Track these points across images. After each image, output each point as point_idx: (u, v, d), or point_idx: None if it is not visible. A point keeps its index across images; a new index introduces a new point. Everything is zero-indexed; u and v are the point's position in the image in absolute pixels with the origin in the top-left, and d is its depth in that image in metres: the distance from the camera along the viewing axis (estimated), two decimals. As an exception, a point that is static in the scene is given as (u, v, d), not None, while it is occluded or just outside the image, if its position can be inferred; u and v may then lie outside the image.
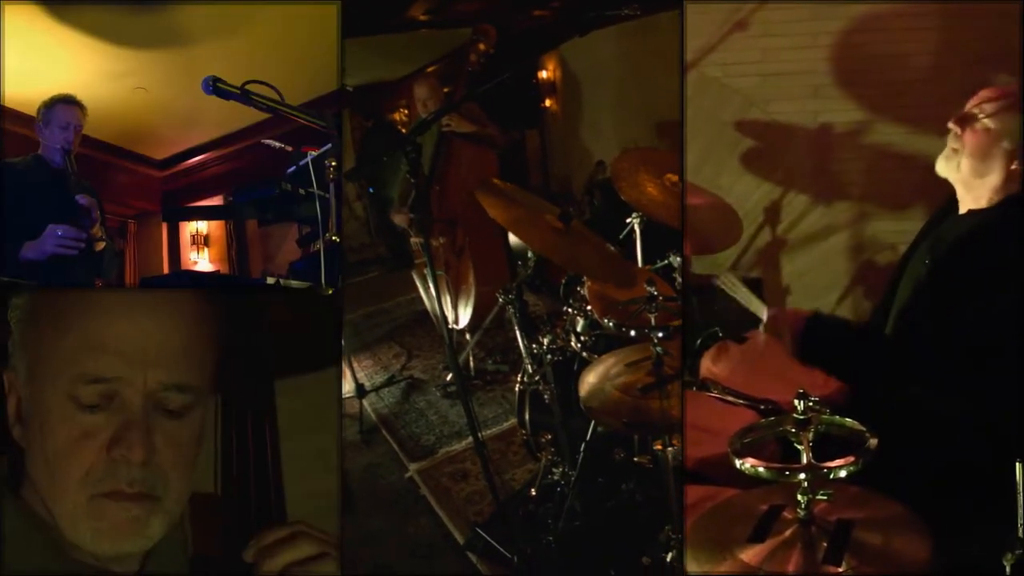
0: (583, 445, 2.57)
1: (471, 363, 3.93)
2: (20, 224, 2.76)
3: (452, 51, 4.57)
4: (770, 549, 1.58)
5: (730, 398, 2.20)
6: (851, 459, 1.59)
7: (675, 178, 2.82)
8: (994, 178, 2.06)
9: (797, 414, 1.68)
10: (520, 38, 4.35)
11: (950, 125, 2.12)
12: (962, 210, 2.15)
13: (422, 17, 4.49)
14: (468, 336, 3.96)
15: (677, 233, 2.78)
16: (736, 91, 3.24)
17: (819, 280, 3.30)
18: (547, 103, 5.07)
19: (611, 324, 2.54)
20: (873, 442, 1.62)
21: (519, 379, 2.94)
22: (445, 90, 4.08)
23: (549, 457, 2.78)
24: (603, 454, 2.63)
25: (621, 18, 2.35)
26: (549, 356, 2.74)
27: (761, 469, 1.62)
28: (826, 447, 1.65)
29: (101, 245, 2.92)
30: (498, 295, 2.86)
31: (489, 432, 3.47)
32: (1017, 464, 1.62)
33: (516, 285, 2.86)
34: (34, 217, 2.78)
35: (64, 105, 2.94)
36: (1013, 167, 2.04)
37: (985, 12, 2.94)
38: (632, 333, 2.45)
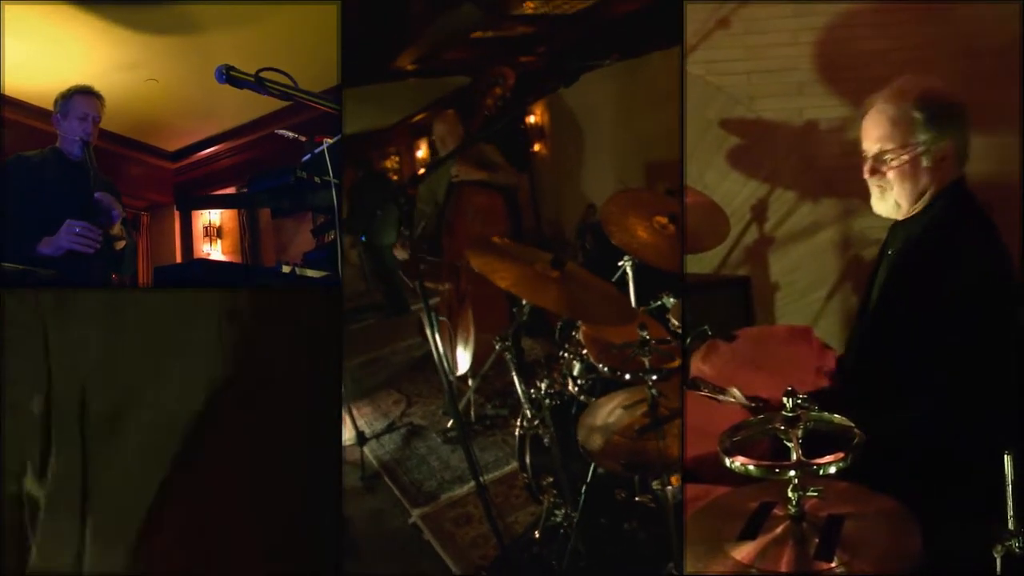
0: (584, 487, 2.51)
1: (471, 409, 3.86)
2: (37, 217, 2.68)
3: (441, 97, 4.56)
4: (762, 546, 1.55)
5: (720, 397, 2.16)
6: (840, 455, 1.55)
7: (664, 220, 2.75)
8: (932, 190, 2.02)
9: (786, 411, 1.64)
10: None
11: (866, 177, 2.07)
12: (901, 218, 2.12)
13: (410, 67, 4.46)
14: (469, 382, 3.88)
15: (668, 274, 2.72)
16: (720, 89, 3.17)
17: (807, 277, 3.24)
18: (536, 147, 5.02)
19: (606, 369, 2.50)
20: (861, 438, 1.60)
21: (518, 423, 2.87)
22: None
23: (551, 500, 2.73)
24: (604, 495, 2.58)
25: (604, 66, 2.36)
26: (547, 400, 2.70)
27: (751, 467, 1.58)
28: (815, 443, 1.62)
29: (121, 244, 2.84)
30: (495, 342, 2.82)
31: (490, 476, 3.41)
32: (1005, 456, 1.59)
33: (512, 331, 2.83)
34: (52, 211, 2.69)
35: (82, 96, 2.85)
36: (942, 161, 1.99)
37: (967, 6, 2.90)
38: (627, 377, 2.43)
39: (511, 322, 2.95)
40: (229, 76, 2.23)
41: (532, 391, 2.77)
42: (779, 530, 1.58)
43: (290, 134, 2.90)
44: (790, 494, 1.58)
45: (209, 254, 4.63)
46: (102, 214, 2.74)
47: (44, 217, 2.68)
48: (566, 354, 2.79)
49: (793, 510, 1.59)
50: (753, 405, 2.10)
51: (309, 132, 2.86)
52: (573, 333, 2.83)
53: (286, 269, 2.86)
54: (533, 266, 2.41)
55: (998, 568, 1.58)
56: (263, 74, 2.23)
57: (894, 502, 1.61)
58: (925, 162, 1.99)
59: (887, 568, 1.48)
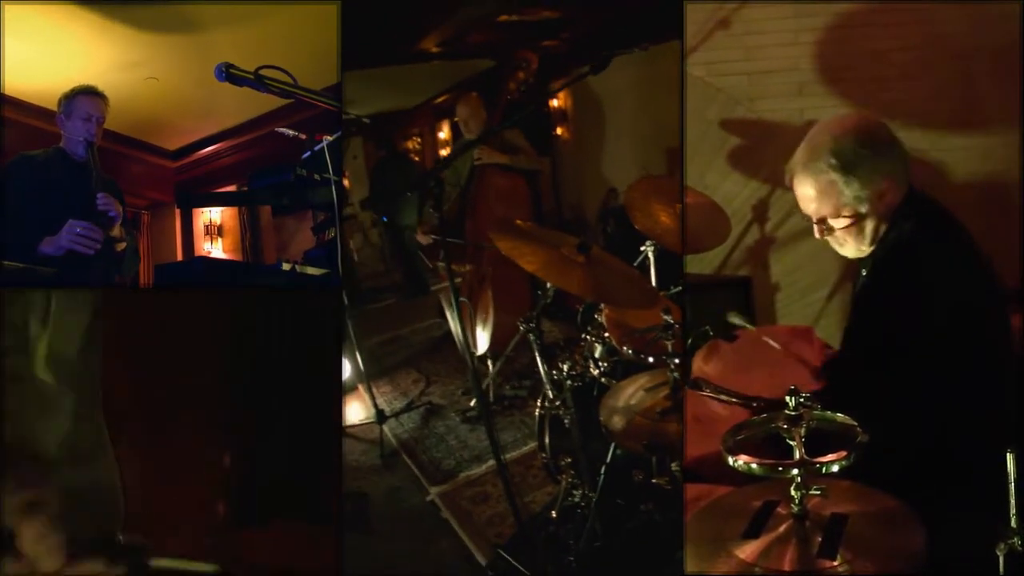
0: (604, 468, 2.52)
1: (490, 389, 3.87)
2: (40, 216, 2.67)
3: (465, 80, 4.55)
4: (765, 545, 1.55)
5: (722, 396, 2.16)
6: (843, 454, 1.55)
7: None
8: (884, 224, 1.98)
9: (789, 410, 1.63)
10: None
11: (820, 235, 2.05)
12: None
13: (434, 49, 4.45)
14: (489, 363, 3.91)
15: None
16: (720, 90, 3.17)
17: (808, 277, 3.23)
18: (559, 131, 4.99)
19: (630, 352, 2.50)
20: (864, 437, 1.59)
21: (539, 404, 2.89)
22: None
23: (569, 480, 2.74)
24: (622, 476, 2.58)
25: (635, 53, 2.34)
26: (569, 382, 2.69)
27: (754, 466, 1.57)
28: (817, 442, 1.62)
29: (122, 246, 2.82)
30: (519, 323, 2.83)
31: (508, 456, 3.39)
32: (1008, 454, 1.59)
33: (536, 314, 2.83)
34: (55, 210, 2.68)
35: (86, 96, 2.83)
36: (882, 197, 1.95)
37: (966, 6, 2.90)
38: (651, 360, 2.43)
39: (535, 304, 2.96)
40: (228, 74, 2.22)
41: (554, 373, 2.77)
42: (782, 529, 1.58)
43: (290, 132, 2.88)
44: (793, 493, 1.58)
45: (210, 252, 4.62)
46: (103, 215, 2.73)
47: (47, 216, 2.67)
48: (588, 337, 2.80)
49: (796, 509, 1.58)
50: (755, 405, 2.10)
51: (309, 130, 2.84)
52: (596, 316, 2.83)
53: (286, 267, 2.85)
54: (559, 250, 2.42)
55: (1001, 566, 1.58)
56: (262, 71, 2.21)
57: (897, 501, 1.61)
58: (865, 209, 1.96)
59: (890, 567, 1.48)
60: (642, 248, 2.92)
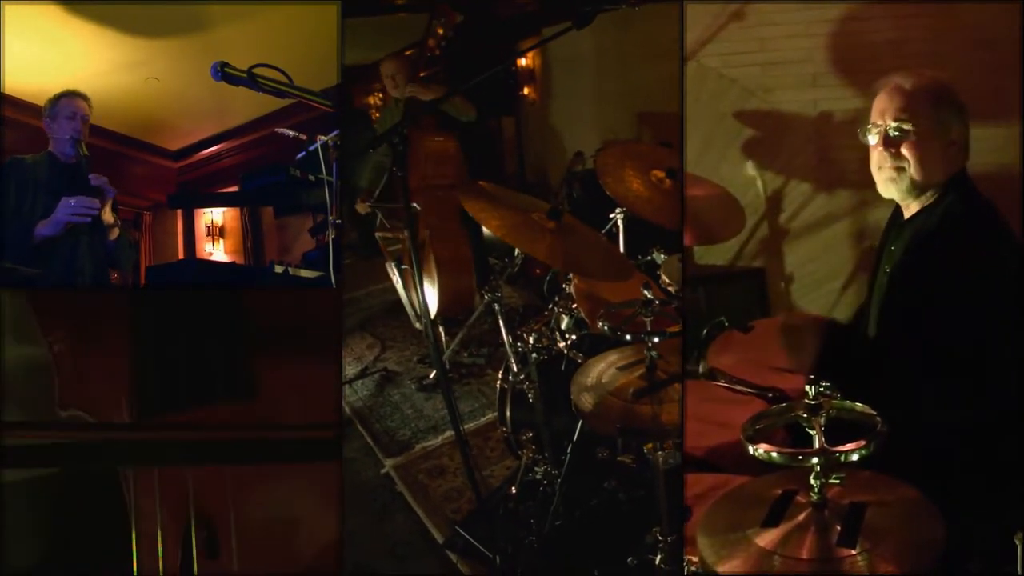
0: (570, 447, 2.46)
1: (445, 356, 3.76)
2: (31, 218, 2.76)
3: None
4: (784, 533, 1.58)
5: (737, 387, 2.19)
6: (862, 443, 1.58)
7: (661, 174, 2.74)
8: (942, 175, 2.03)
9: (808, 399, 1.67)
10: (502, 26, 4.28)
11: (880, 150, 2.08)
12: (907, 214, 2.13)
13: (400, 1, 4.42)
14: (442, 330, 3.82)
15: (660, 229, 2.70)
16: (735, 81, 3.19)
17: (822, 269, 3.23)
18: (525, 90, 4.89)
19: (605, 327, 2.37)
20: (883, 426, 1.63)
21: (501, 376, 2.83)
22: (421, 74, 3.97)
23: (530, 456, 2.70)
24: (585, 453, 2.53)
25: (621, 10, 2.30)
26: (535, 355, 2.64)
27: (775, 454, 1.61)
28: (836, 431, 1.65)
29: (115, 233, 2.88)
30: (484, 293, 2.79)
31: (466, 427, 3.25)
32: (1026, 445, 1.62)
33: (500, 283, 2.77)
34: (45, 213, 2.77)
35: (68, 98, 2.92)
36: (952, 146, 2.02)
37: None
38: (628, 338, 2.32)
39: (485, 267, 2.92)
40: (224, 73, 2.26)
41: (518, 344, 2.72)
42: (802, 517, 1.61)
43: (291, 132, 2.91)
44: (813, 482, 1.61)
45: (211, 254, 4.64)
46: (97, 191, 2.80)
47: (36, 219, 2.76)
48: (555, 308, 2.76)
49: (816, 497, 1.61)
50: (771, 396, 2.13)
51: (311, 131, 2.87)
52: (563, 286, 2.79)
53: (279, 269, 2.87)
54: (529, 214, 2.37)
55: (1020, 555, 1.61)
56: (257, 70, 2.25)
57: (916, 490, 1.64)
58: (939, 141, 2.02)
59: (909, 555, 1.50)
60: (611, 215, 2.90)
